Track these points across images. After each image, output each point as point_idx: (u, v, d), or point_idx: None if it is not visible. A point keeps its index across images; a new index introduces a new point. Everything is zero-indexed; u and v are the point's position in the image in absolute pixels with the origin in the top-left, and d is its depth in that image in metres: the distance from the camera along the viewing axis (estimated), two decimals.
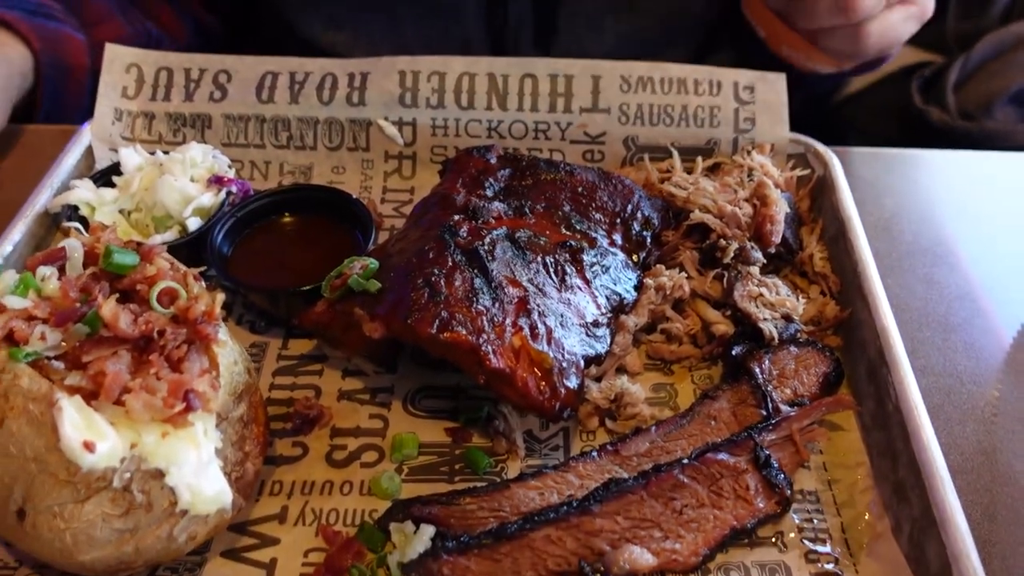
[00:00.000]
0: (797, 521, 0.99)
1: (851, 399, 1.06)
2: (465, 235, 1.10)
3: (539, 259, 1.10)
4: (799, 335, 1.14)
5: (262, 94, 1.42)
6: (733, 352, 1.11)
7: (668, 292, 1.15)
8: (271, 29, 1.74)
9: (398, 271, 1.05)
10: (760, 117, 1.40)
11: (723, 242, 1.18)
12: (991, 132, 2.25)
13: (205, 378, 0.89)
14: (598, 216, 1.21)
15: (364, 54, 1.44)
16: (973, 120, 2.29)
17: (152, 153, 1.32)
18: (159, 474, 0.86)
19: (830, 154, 1.35)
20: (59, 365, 0.87)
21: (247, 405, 0.97)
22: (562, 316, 1.06)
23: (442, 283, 1.02)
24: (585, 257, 1.13)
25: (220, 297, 0.95)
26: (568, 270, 1.11)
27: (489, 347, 0.98)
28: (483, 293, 1.02)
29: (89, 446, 0.82)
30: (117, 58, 1.41)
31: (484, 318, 1.00)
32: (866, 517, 0.99)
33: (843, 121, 2.50)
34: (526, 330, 1.01)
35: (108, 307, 0.88)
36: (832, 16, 1.29)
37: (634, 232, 1.22)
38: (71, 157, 1.35)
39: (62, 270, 0.96)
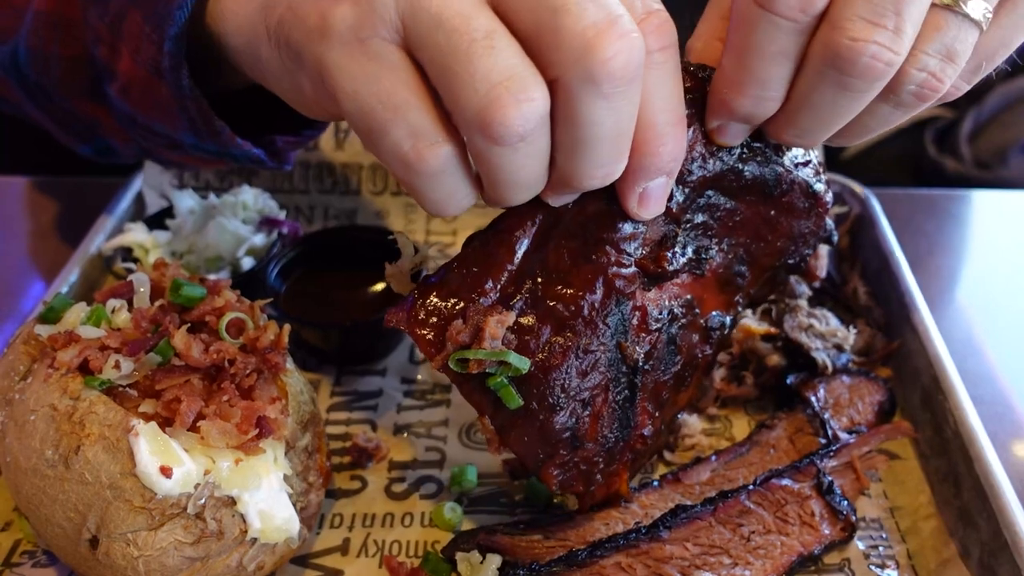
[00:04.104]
0: (862, 548, 0.98)
1: (909, 426, 1.06)
2: (636, 337, 0.91)
3: (677, 366, 0.96)
4: (851, 365, 1.14)
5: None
6: (788, 381, 1.11)
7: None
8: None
9: (551, 385, 0.86)
10: None
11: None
12: (1006, 180, 2.30)
13: (276, 405, 0.90)
14: (765, 262, 0.98)
15: None
16: (988, 169, 2.34)
17: (204, 197, 1.35)
18: (231, 501, 0.86)
19: (866, 192, 1.38)
20: (133, 393, 0.88)
21: (312, 435, 0.97)
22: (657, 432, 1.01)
23: (585, 429, 0.90)
24: (705, 370, 1.04)
25: (287, 327, 0.96)
26: (687, 381, 1.00)
27: (593, 491, 0.95)
28: (617, 435, 0.92)
29: (166, 471, 0.82)
30: None
31: (603, 466, 0.94)
32: (932, 543, 0.98)
33: (855, 174, 2.56)
34: (628, 463, 0.97)
35: (180, 336, 0.89)
36: None
37: (778, 278, 1.02)
38: (123, 203, 1.38)
39: (129, 304, 0.97)
